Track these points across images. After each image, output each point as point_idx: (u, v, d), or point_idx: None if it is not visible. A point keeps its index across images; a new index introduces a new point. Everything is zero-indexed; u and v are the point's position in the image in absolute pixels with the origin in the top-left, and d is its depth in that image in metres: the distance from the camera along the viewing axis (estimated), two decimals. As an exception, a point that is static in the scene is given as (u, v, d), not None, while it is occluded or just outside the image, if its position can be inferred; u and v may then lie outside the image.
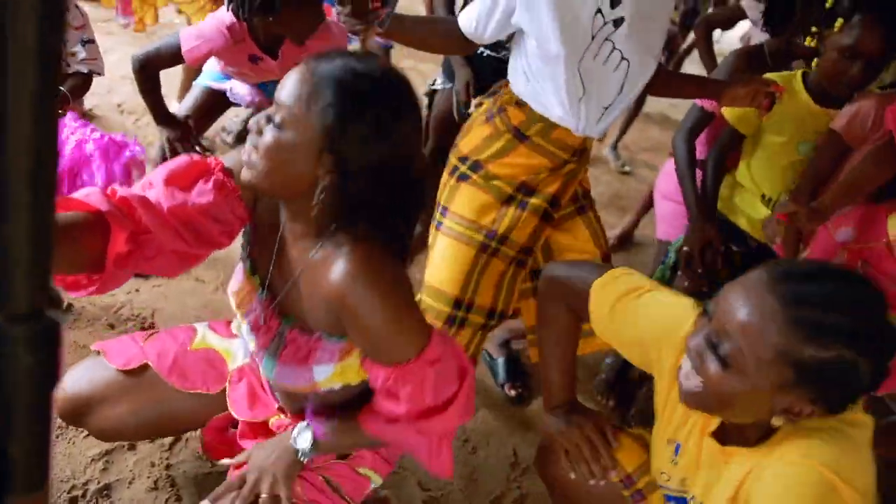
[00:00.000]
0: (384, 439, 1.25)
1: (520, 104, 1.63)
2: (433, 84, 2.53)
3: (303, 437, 1.25)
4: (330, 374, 1.18)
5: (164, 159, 1.98)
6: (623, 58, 1.56)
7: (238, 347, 1.44)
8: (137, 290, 2.17)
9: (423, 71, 4.23)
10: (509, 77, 1.67)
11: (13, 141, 0.37)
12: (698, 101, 2.10)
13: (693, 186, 2.05)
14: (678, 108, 4.54)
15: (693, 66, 3.78)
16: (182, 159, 1.18)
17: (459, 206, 1.68)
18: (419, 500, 1.74)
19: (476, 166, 1.67)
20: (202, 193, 1.13)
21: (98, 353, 1.39)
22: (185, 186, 1.14)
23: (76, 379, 1.35)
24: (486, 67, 2.26)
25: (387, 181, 1.06)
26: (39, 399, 0.47)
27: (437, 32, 1.69)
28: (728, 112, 2.00)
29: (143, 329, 2.02)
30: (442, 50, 2.00)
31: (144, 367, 1.36)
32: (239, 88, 2.28)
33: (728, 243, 2.06)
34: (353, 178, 1.03)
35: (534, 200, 1.67)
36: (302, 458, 1.25)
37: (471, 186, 1.68)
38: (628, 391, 2.21)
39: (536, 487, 1.78)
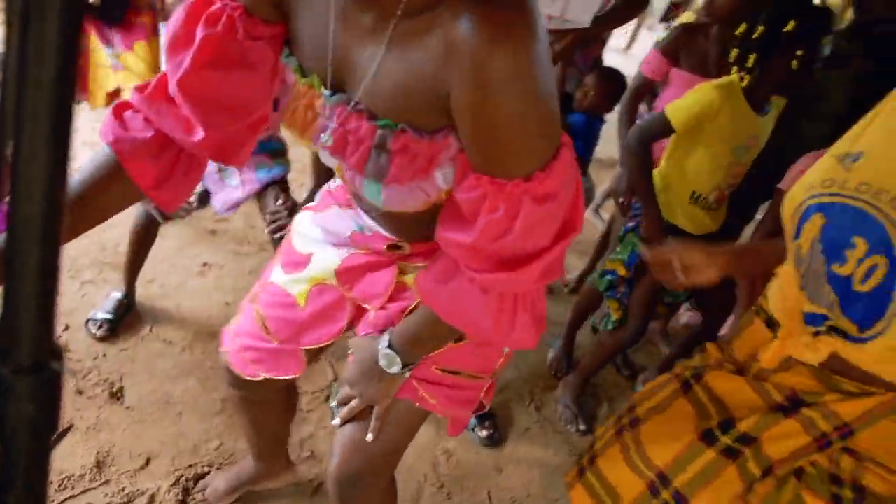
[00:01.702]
0: (436, 304, 1.01)
1: None
2: None
3: (387, 360, 1.10)
4: (452, 177, 0.90)
5: None
6: None
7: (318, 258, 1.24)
8: (104, 356, 2.16)
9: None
10: None
11: (23, 199, 0.41)
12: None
13: (648, 181, 2.14)
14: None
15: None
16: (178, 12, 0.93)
17: None
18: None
19: None
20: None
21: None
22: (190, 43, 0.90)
23: None
24: None
25: None
26: (39, 446, 0.50)
27: None
28: (672, 114, 2.08)
29: (112, 395, 2.01)
30: None
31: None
32: None
33: None
34: None
35: None
36: (399, 374, 1.11)
37: None
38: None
39: (513, 528, 1.80)
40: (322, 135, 0.93)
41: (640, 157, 2.10)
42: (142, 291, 2.43)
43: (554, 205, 0.84)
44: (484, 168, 0.83)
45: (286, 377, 1.28)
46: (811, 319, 1.05)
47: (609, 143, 3.74)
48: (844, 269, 0.97)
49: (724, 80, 2.05)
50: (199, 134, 0.93)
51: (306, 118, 0.96)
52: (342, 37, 0.88)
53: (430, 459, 2.08)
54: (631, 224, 2.27)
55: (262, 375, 1.28)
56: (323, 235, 1.23)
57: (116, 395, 2.02)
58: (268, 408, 1.50)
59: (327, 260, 1.22)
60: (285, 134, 1.15)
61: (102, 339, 2.21)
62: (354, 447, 1.20)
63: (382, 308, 1.17)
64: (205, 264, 2.79)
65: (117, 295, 2.31)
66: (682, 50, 2.39)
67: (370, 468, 1.21)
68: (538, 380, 2.61)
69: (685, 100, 2.06)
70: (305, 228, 1.27)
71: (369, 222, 1.15)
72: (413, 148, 0.87)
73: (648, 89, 2.49)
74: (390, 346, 1.10)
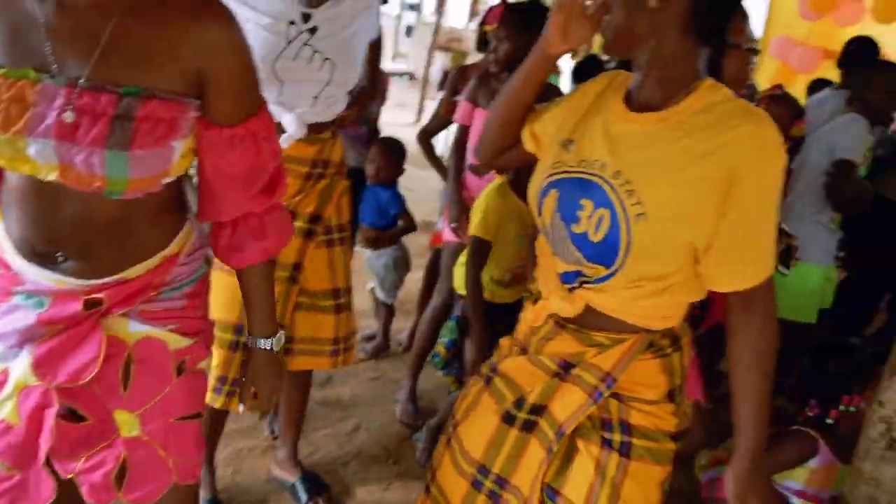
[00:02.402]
0: (253, 254, 1.23)
1: None
2: None
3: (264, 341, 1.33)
4: (183, 149, 1.09)
5: None
6: (326, 58, 1.81)
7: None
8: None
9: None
10: None
11: None
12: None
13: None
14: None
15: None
16: None
17: None
18: None
19: None
20: None
21: None
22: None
23: None
24: None
25: None
26: None
27: None
28: (473, 231, 2.33)
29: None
30: None
31: None
32: None
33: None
34: None
35: (296, 223, 1.83)
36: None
37: None
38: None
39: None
40: (35, 128, 0.95)
41: (473, 292, 2.30)
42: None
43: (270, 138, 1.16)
44: (233, 118, 1.09)
45: None
46: (566, 278, 1.26)
47: (423, 204, 3.95)
48: (580, 228, 1.19)
49: (495, 182, 2.35)
50: None
51: (11, 114, 0.95)
52: (58, 18, 0.96)
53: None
54: (455, 315, 2.54)
55: None
56: (3, 346, 1.12)
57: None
58: None
59: (21, 363, 1.10)
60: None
61: None
62: None
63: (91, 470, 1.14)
64: None
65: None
66: (480, 93, 2.69)
67: None
68: (391, 436, 2.70)
69: (474, 211, 2.36)
70: None
71: (53, 283, 1.09)
72: (158, 113, 1.00)
73: (467, 136, 2.75)
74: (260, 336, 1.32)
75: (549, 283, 1.30)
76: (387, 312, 3.37)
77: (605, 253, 1.17)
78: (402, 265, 3.32)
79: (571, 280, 1.25)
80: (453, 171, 2.74)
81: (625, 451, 1.23)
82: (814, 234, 2.76)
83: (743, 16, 1.74)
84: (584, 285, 1.23)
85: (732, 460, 1.21)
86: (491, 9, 2.56)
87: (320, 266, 1.96)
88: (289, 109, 1.81)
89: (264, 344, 1.32)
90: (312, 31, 1.78)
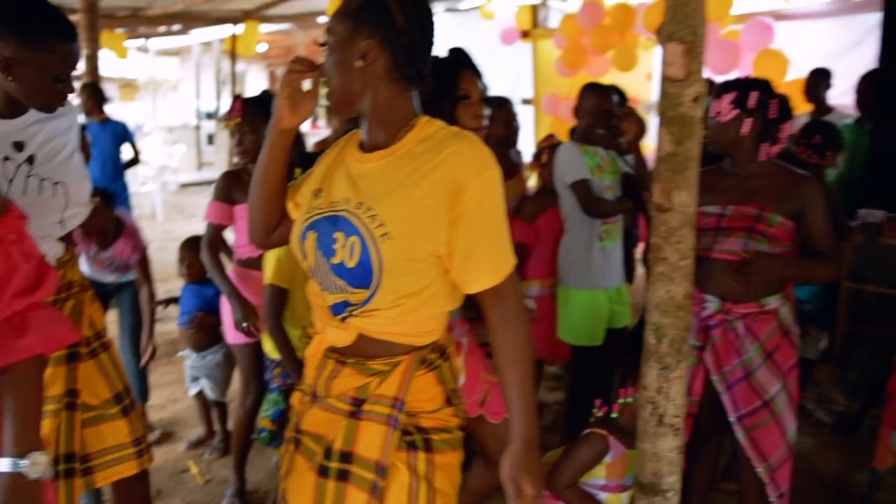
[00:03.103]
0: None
1: None
2: None
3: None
4: None
5: None
6: (55, 182, 1.78)
7: None
8: None
9: None
10: None
11: None
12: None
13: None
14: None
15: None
16: None
17: None
18: None
19: None
20: None
21: None
22: None
23: None
24: None
25: None
26: None
27: None
28: (267, 280, 2.37)
29: None
30: None
31: None
32: None
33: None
34: None
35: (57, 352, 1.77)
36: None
37: None
38: None
39: None
40: None
41: (280, 340, 2.35)
42: None
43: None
44: None
45: None
46: (336, 310, 1.36)
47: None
48: (338, 258, 1.31)
49: None
50: None
51: None
52: None
53: None
54: (275, 386, 2.55)
55: None
56: None
57: None
58: None
59: None
60: None
61: None
62: None
63: None
64: None
65: None
66: (234, 190, 2.71)
67: None
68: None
69: (267, 259, 2.39)
70: None
71: None
72: None
73: (219, 235, 2.75)
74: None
75: (324, 318, 1.40)
76: (221, 411, 3.30)
77: (363, 275, 1.29)
78: (231, 360, 3.19)
79: (341, 310, 1.36)
80: (216, 271, 2.61)
81: (428, 447, 1.36)
82: (576, 260, 2.99)
83: (475, 72, 1.99)
84: (353, 313, 1.34)
85: (509, 445, 1.34)
86: (231, 105, 2.65)
87: (94, 379, 1.92)
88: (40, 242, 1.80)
89: (13, 466, 1.11)
90: (30, 160, 1.75)
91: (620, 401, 2.09)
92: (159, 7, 9.68)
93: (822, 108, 4.42)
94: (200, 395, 3.29)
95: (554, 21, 7.79)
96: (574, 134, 3.14)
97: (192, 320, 3.14)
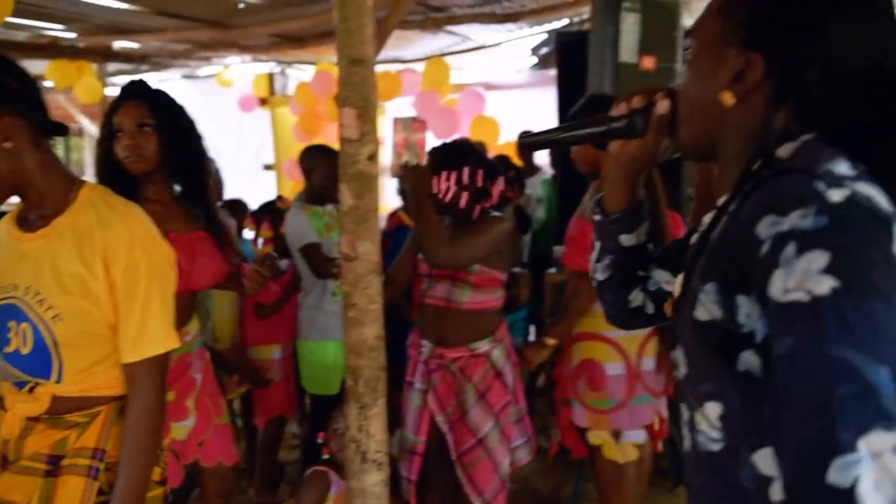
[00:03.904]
0: None
1: None
2: None
3: None
4: None
5: None
6: None
7: None
8: None
9: None
10: None
11: None
12: None
13: None
14: None
15: None
16: None
17: None
18: None
19: None
20: None
21: None
22: None
23: None
24: None
25: None
26: None
27: None
28: None
29: None
30: None
31: None
32: None
33: None
34: None
35: None
36: None
37: None
38: None
39: None
40: None
41: None
42: None
43: None
44: None
45: None
46: (20, 385, 1.32)
47: None
48: (12, 347, 1.28)
49: None
50: None
51: None
52: None
53: None
54: None
55: None
56: None
57: None
58: None
59: None
60: None
61: None
62: None
63: None
64: None
65: None
66: None
67: None
68: None
69: None
70: None
71: None
72: None
73: None
74: None
75: (10, 395, 1.34)
76: None
77: (39, 360, 1.27)
78: None
79: (25, 384, 1.31)
80: None
81: (95, 475, 1.30)
82: (311, 315, 3.11)
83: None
84: (40, 384, 1.30)
85: None
86: None
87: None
88: None
89: None
90: None
91: (320, 441, 2.18)
92: None
93: (530, 167, 4.97)
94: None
95: (291, 88, 8.01)
96: (303, 196, 3.24)
97: None
